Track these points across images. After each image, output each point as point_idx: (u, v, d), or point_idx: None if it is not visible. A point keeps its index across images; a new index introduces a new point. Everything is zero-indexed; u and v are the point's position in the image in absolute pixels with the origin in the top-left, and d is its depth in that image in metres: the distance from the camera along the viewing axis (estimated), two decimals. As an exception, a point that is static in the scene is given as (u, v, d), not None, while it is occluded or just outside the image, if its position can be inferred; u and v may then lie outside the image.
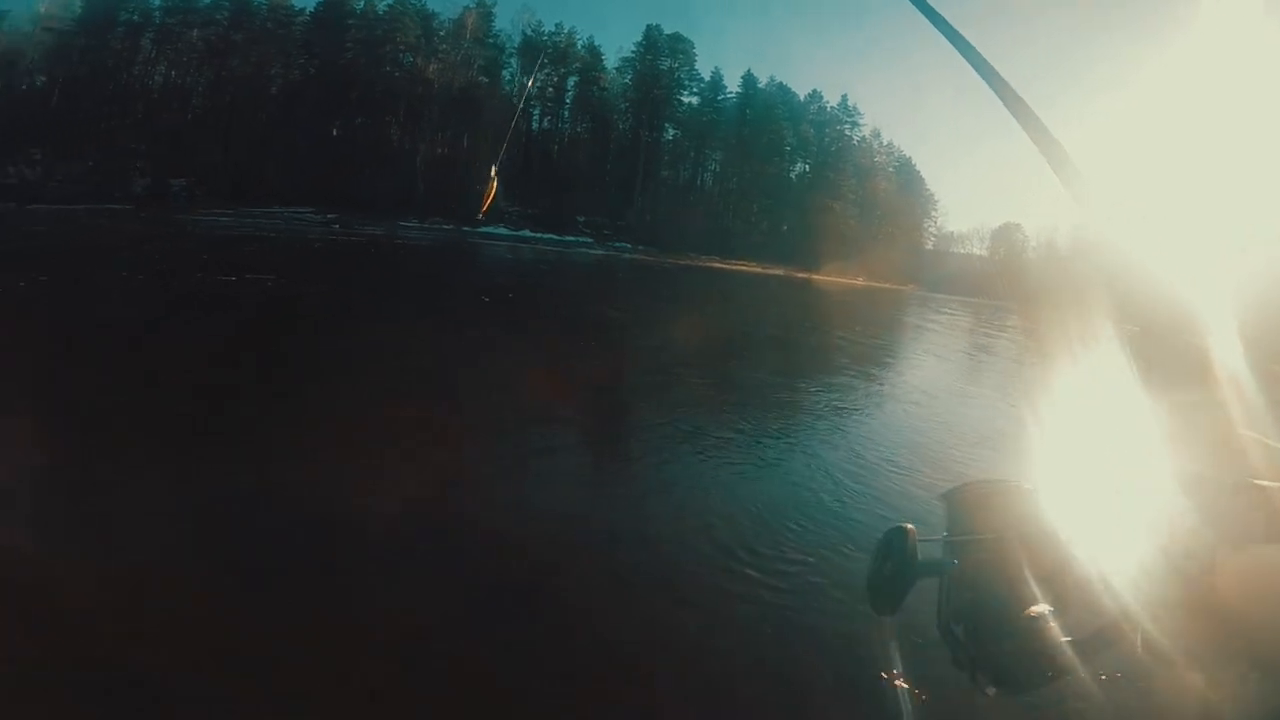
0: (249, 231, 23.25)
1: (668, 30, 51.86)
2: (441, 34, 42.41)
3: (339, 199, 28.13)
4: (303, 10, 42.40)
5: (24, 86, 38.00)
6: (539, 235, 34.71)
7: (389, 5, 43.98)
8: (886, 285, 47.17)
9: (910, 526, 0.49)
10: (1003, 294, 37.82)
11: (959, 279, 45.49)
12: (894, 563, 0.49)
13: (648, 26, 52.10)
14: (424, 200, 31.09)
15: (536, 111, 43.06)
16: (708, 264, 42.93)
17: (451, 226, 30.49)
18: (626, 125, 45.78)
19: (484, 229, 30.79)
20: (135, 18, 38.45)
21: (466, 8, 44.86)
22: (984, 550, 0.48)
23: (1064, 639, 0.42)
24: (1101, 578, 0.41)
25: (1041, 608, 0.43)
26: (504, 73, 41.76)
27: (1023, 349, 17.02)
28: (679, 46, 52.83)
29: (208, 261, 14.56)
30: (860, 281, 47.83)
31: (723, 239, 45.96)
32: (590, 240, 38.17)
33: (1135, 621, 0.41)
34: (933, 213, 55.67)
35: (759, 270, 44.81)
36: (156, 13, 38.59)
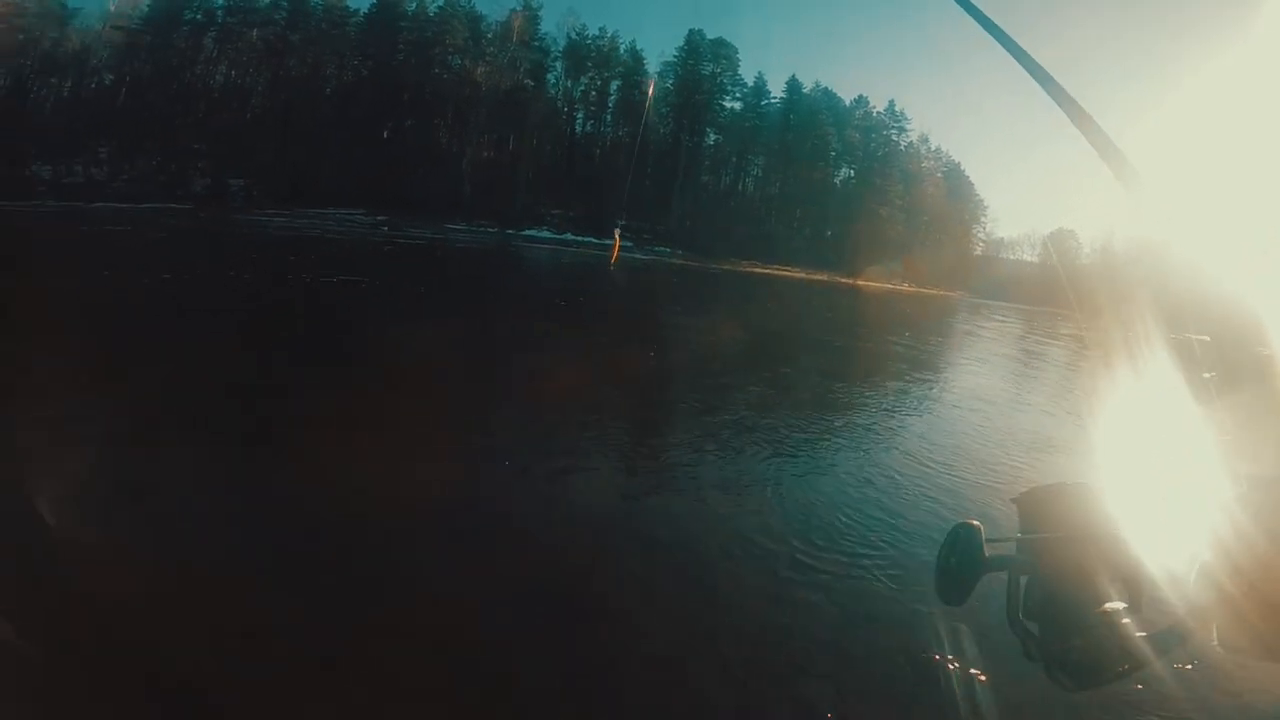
0: (309, 232, 23.83)
1: (710, 35, 51.72)
2: (489, 36, 42.80)
3: (389, 201, 28.56)
4: (357, 11, 43.31)
5: (93, 85, 39.63)
6: (580, 238, 34.72)
7: (439, 7, 44.62)
8: (934, 291, 46.00)
9: (976, 523, 0.51)
10: (1056, 300, 36.40)
11: (1009, 285, 44.13)
12: (960, 557, 0.51)
13: (690, 31, 51.87)
14: (470, 203, 31.38)
15: (580, 115, 43.22)
16: (749, 269, 42.45)
17: (496, 229, 30.68)
18: (668, 129, 45.50)
19: (527, 231, 30.96)
20: (199, 16, 39.73)
21: (514, 10, 45.26)
22: (1055, 549, 0.50)
23: (1137, 634, 0.43)
24: (1169, 574, 0.43)
25: (1114, 604, 0.45)
26: (549, 76, 42.03)
27: (1077, 355, 16.80)
28: (721, 51, 52.42)
29: (297, 263, 15.21)
30: (907, 287, 46.75)
31: (765, 244, 45.43)
32: (630, 244, 38.09)
33: (1205, 616, 0.42)
34: (982, 218, 54.24)
35: (802, 276, 44.14)
36: (219, 12, 39.83)
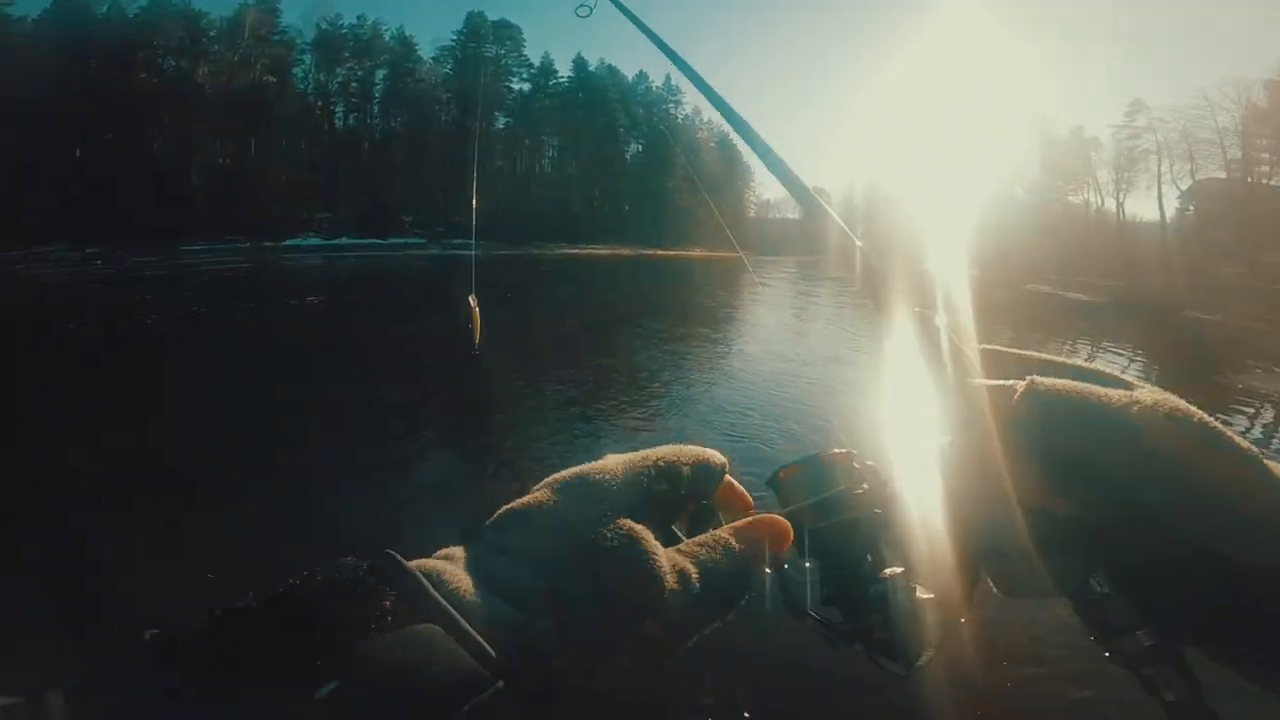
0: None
1: (492, 17, 50.24)
2: (212, 34, 37.37)
3: (96, 229, 23.60)
4: (24, 18, 35.08)
5: None
6: (360, 241, 31.89)
7: (142, 7, 37.93)
8: (720, 254, 49.48)
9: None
10: (812, 249, 41.32)
11: (780, 241, 48.86)
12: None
13: (469, 14, 49.86)
14: (207, 218, 27.10)
15: (340, 108, 39.55)
16: (557, 251, 42.22)
17: (249, 244, 26.95)
18: (450, 117, 43.45)
19: (290, 241, 27.59)
20: None
21: (245, 4, 40.01)
22: (822, 523, 0.46)
23: (925, 596, 0.41)
24: (926, 525, 0.41)
25: (894, 569, 0.42)
26: (296, 70, 37.78)
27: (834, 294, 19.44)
28: (505, 33, 51.14)
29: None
30: (698, 253, 49.75)
31: (569, 225, 45.44)
32: (422, 240, 35.85)
33: (973, 560, 0.41)
34: (751, 183, 59.03)
35: (608, 253, 44.91)
36: None
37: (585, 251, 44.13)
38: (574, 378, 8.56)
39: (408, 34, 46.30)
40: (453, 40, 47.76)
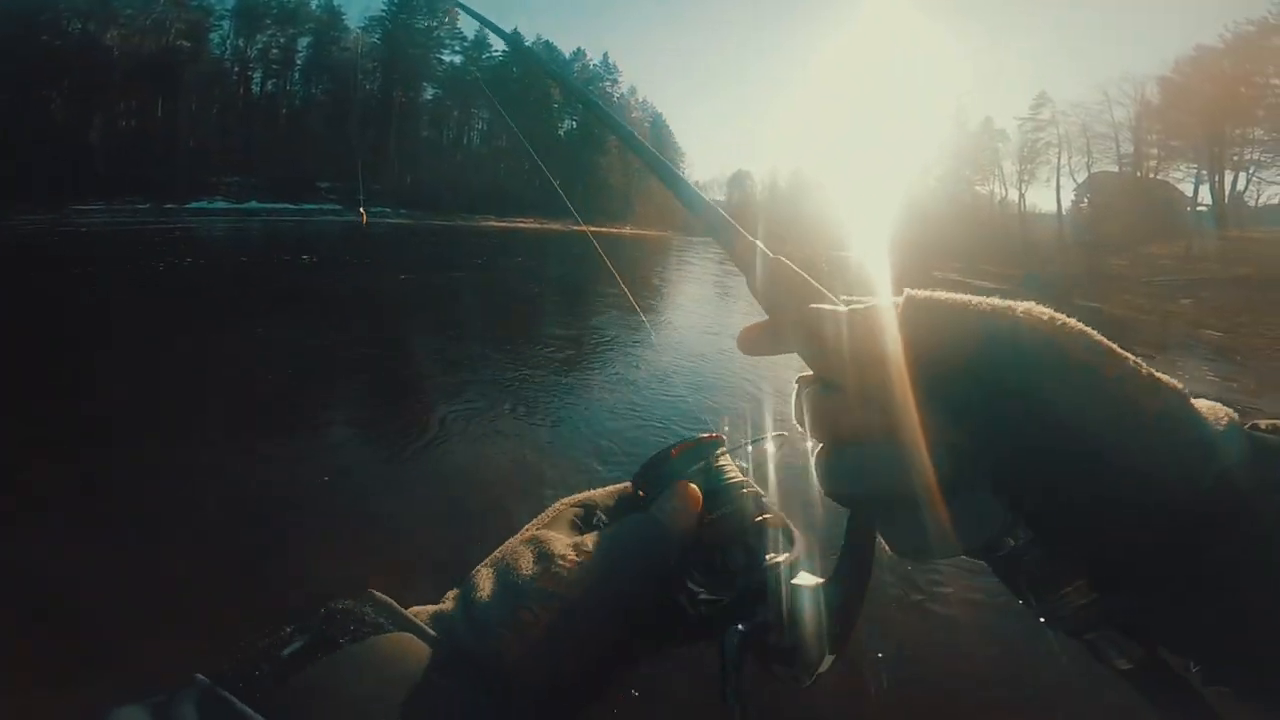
0: None
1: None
2: (126, -3, 37.21)
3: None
4: None
5: None
6: (269, 205, 32.80)
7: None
8: (649, 232, 51.10)
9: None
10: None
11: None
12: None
13: (402, -14, 50.02)
14: (107, 179, 27.82)
15: (259, 75, 39.90)
16: (483, 224, 43.31)
17: (149, 205, 27.80)
18: (375, 85, 44.04)
19: (194, 204, 28.48)
20: None
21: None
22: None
23: (812, 582, 0.37)
24: (810, 498, 0.37)
25: (776, 555, 0.38)
26: (213, 36, 38.00)
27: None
28: (439, 5, 51.43)
29: None
30: (628, 231, 51.33)
31: (497, 197, 46.58)
32: (338, 207, 36.81)
33: (864, 523, 0.37)
34: (681, 163, 60.62)
35: (536, 226, 46.18)
36: None
37: (513, 225, 45.36)
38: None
39: (335, 3, 46.54)
40: (383, 10, 48.09)
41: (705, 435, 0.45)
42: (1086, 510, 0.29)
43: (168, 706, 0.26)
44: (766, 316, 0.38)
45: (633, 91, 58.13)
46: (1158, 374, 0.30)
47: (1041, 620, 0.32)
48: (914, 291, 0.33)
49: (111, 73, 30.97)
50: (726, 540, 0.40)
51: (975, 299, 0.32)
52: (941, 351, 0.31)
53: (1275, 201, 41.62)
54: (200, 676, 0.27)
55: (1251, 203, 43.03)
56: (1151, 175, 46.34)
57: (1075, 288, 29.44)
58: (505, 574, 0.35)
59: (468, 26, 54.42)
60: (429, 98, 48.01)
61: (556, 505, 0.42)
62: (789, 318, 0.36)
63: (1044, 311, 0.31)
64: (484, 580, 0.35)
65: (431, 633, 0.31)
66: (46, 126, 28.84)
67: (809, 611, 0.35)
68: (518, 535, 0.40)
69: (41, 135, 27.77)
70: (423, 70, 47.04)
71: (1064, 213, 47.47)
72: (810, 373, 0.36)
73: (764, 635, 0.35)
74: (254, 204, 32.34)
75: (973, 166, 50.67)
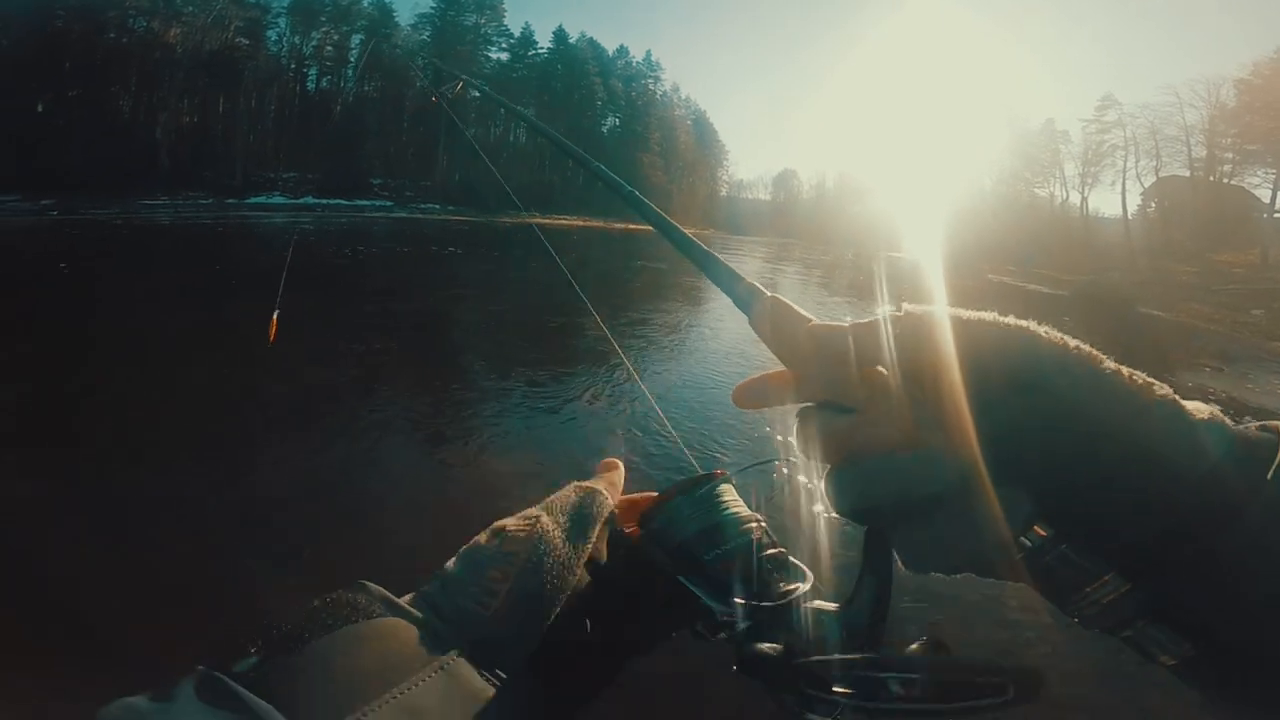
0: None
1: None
2: (187, -6, 37.73)
3: (54, 181, 24.61)
4: None
5: None
6: (324, 201, 32.88)
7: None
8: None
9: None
10: (785, 231, 42.41)
11: (750, 220, 50.11)
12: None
13: (451, -19, 50.08)
14: (171, 174, 28.18)
15: (313, 71, 40.13)
16: (530, 220, 43.16)
17: (211, 200, 28.05)
18: (424, 83, 44.06)
19: (254, 199, 28.66)
20: None
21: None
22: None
23: (828, 607, 0.37)
24: (823, 523, 0.34)
25: (790, 584, 0.38)
26: (269, 33, 38.33)
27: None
28: (486, 2, 51.40)
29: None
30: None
31: (541, 194, 46.33)
32: (390, 203, 36.86)
33: (881, 542, 0.36)
34: (725, 162, 59.76)
35: (580, 224, 45.88)
36: None
37: (554, 221, 45.10)
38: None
39: (386, 1, 46.74)
40: (432, 8, 48.15)
41: (707, 474, 0.45)
42: (1099, 496, 0.30)
43: (170, 693, 0.27)
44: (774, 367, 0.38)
45: (675, 89, 57.49)
46: (1149, 379, 0.32)
47: (1076, 621, 0.31)
48: (911, 307, 0.34)
49: (175, 70, 31.39)
50: (736, 573, 0.39)
51: (958, 311, 0.33)
52: (972, 359, 0.32)
53: (1362, 209, 39.13)
54: (201, 667, 0.29)
55: (1334, 210, 40.65)
56: (1225, 180, 44.12)
57: (1139, 295, 28.03)
58: (469, 550, 0.38)
59: (514, 23, 54.48)
60: (475, 95, 47.82)
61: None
62: (799, 351, 0.37)
63: (1039, 327, 0.33)
64: (453, 561, 0.38)
65: (416, 613, 0.34)
66: (114, 122, 29.31)
67: (833, 634, 0.36)
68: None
69: (109, 131, 28.21)
70: (471, 67, 46.92)
71: (1129, 217, 45.43)
72: (808, 404, 0.37)
73: (791, 660, 0.35)
74: (309, 199, 32.49)
75: (1033, 168, 48.85)
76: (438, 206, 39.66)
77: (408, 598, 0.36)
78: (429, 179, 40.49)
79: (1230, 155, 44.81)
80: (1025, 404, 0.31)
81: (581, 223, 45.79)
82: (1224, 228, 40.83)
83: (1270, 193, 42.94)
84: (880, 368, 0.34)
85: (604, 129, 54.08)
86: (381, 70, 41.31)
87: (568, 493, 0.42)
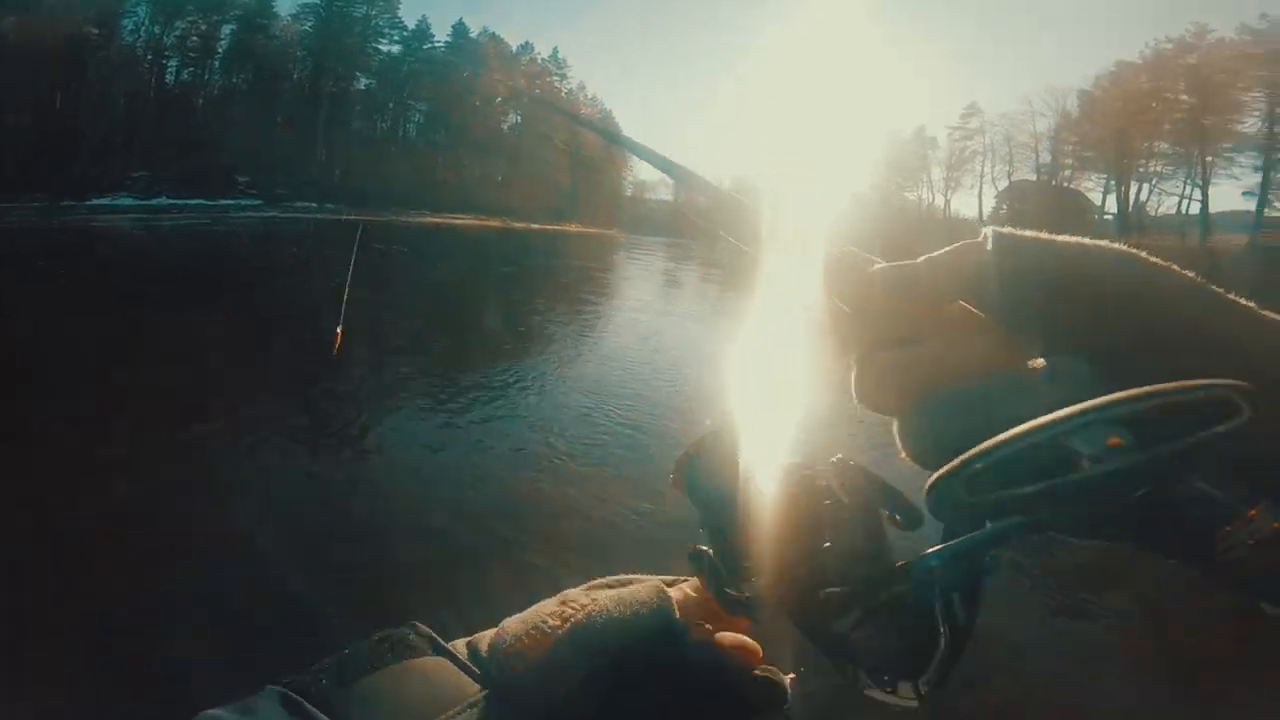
0: None
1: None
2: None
3: None
4: None
5: None
6: (180, 201, 32.09)
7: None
8: (595, 230, 51.45)
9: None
10: (686, 231, 44.27)
11: (653, 221, 51.54)
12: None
13: (339, -28, 48.72)
14: (3, 175, 26.84)
15: (174, 63, 38.63)
16: (419, 220, 43.00)
17: (46, 202, 26.97)
18: (304, 75, 43.12)
19: (95, 201, 27.73)
20: None
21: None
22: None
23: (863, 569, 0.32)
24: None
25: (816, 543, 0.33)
26: (126, 22, 36.64)
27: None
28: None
29: None
30: (574, 228, 51.53)
31: (433, 192, 46.23)
32: (259, 202, 36.21)
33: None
34: (630, 163, 60.93)
35: (475, 223, 46.00)
36: None
37: (448, 221, 45.09)
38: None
39: None
40: (319, -1, 46.89)
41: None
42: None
43: (251, 707, 0.32)
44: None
45: (582, 87, 58.00)
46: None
47: (1210, 581, 0.26)
48: (998, 229, 0.33)
49: (12, 62, 29.74)
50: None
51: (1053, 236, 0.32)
52: (1080, 275, 0.31)
53: (1173, 211, 44.21)
54: (272, 686, 0.34)
55: (1152, 212, 45.73)
56: (1065, 184, 48.82)
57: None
58: (525, 615, 0.40)
59: (408, 14, 53.63)
60: (361, 88, 47.20)
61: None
62: (870, 293, 0.34)
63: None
64: (510, 621, 0.40)
65: (463, 659, 0.39)
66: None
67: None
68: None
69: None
70: (358, 60, 46.20)
71: (984, 219, 49.59)
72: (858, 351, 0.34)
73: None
74: (163, 199, 31.62)
75: (904, 172, 52.45)
76: (315, 205, 39.22)
77: (462, 644, 0.40)
78: (306, 175, 39.93)
79: (1070, 161, 49.58)
80: (1142, 322, 0.29)
81: (475, 221, 46.13)
82: (1064, 228, 45.00)
83: (1101, 195, 47.82)
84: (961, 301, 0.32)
85: (505, 126, 54.22)
86: (253, 60, 40.18)
87: (643, 587, 0.41)
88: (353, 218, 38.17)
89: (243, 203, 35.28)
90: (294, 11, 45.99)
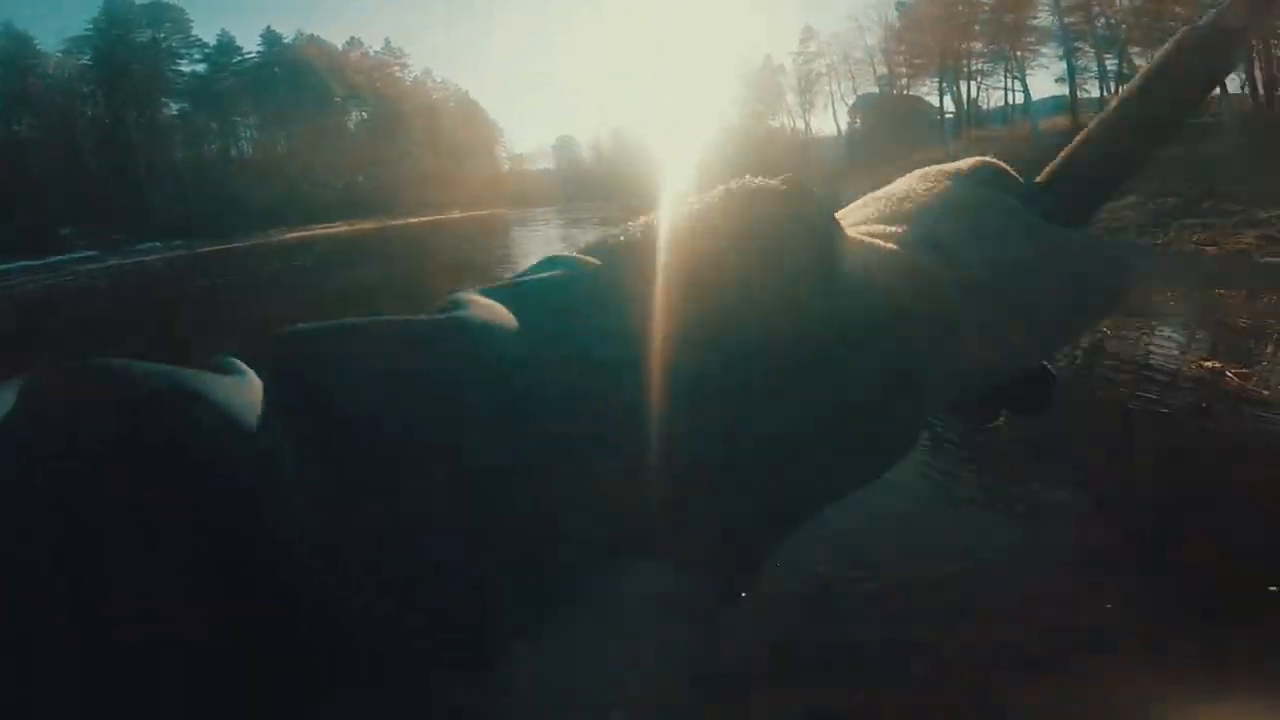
0: None
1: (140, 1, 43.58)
2: None
3: None
4: None
5: None
6: (5, 266, 27.57)
7: None
8: (479, 212, 49.88)
9: None
10: (572, 196, 43.77)
11: (538, 192, 50.57)
12: None
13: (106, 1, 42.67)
14: None
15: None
16: (281, 239, 39.61)
17: None
18: (99, 110, 37.86)
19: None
20: None
21: None
22: None
23: None
24: None
25: None
26: None
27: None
28: (162, 16, 44.72)
29: None
30: (457, 214, 49.58)
31: (289, 207, 42.72)
32: (94, 252, 31.92)
33: None
34: (500, 140, 59.45)
35: (347, 229, 43.00)
36: None
37: (317, 233, 41.94)
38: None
39: (19, 28, 38.76)
40: (89, 28, 41.07)
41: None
42: None
43: None
44: None
45: (428, 73, 55.25)
46: None
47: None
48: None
49: None
50: None
51: None
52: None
53: (1002, 104, 49.28)
54: None
55: (984, 106, 50.78)
56: (904, 92, 52.96)
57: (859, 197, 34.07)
58: None
59: (206, 30, 48.42)
60: (174, 113, 42.34)
61: None
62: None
63: None
64: None
65: None
66: None
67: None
68: None
69: None
70: (159, 84, 41.18)
71: (841, 134, 52.93)
72: None
73: None
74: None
75: (764, 101, 54.59)
76: (159, 244, 35.13)
77: None
78: (140, 214, 35.52)
79: (904, 70, 53.79)
80: None
81: (347, 227, 43.15)
82: (914, 132, 49.02)
83: (938, 98, 52.42)
84: None
85: (352, 125, 50.77)
86: (30, 105, 34.62)
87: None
88: (204, 250, 34.62)
89: (78, 255, 30.90)
90: (62, 48, 40.16)
